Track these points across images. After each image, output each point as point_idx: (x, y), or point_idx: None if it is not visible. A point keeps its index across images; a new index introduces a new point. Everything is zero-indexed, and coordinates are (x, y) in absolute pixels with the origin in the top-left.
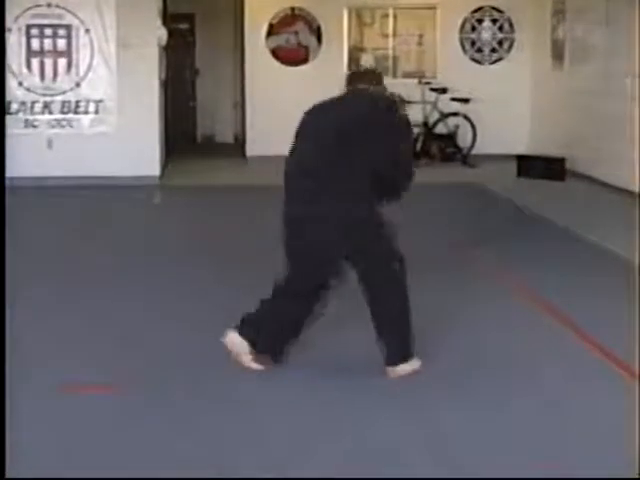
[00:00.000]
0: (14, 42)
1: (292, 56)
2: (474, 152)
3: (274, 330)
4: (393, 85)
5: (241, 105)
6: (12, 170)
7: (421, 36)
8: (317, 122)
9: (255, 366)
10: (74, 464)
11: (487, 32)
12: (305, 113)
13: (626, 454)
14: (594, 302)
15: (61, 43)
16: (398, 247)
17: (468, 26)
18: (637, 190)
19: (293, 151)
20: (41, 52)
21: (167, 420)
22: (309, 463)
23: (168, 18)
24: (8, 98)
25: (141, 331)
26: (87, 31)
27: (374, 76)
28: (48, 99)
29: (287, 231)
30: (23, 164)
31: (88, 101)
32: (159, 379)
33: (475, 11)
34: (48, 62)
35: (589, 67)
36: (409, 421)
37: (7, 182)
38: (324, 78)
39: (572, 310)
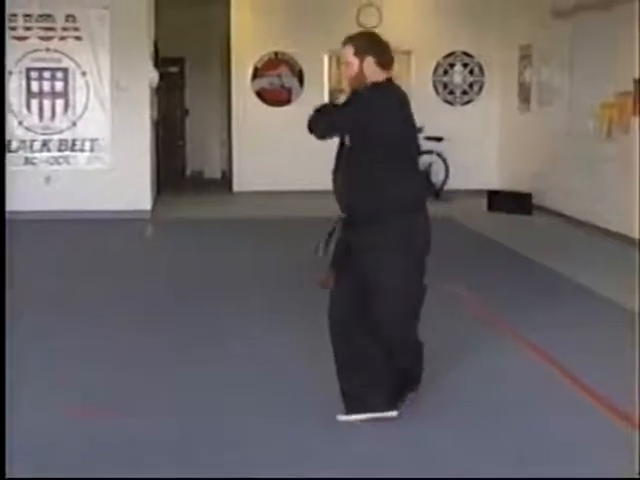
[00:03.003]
0: (15, 84)
1: (276, 97)
2: (447, 187)
3: None
4: None
5: (228, 143)
6: (12, 204)
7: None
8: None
9: None
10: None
11: (458, 75)
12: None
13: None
14: (554, 324)
15: (59, 85)
16: None
17: (441, 70)
18: (593, 222)
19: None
20: (40, 93)
21: (165, 442)
22: None
23: (159, 62)
24: (9, 137)
25: (136, 357)
26: (83, 74)
27: None
28: (46, 137)
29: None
30: (22, 199)
31: (84, 140)
32: (157, 401)
33: (447, 56)
34: (47, 103)
35: (554, 109)
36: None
37: (7, 215)
38: (306, 118)
39: (539, 337)
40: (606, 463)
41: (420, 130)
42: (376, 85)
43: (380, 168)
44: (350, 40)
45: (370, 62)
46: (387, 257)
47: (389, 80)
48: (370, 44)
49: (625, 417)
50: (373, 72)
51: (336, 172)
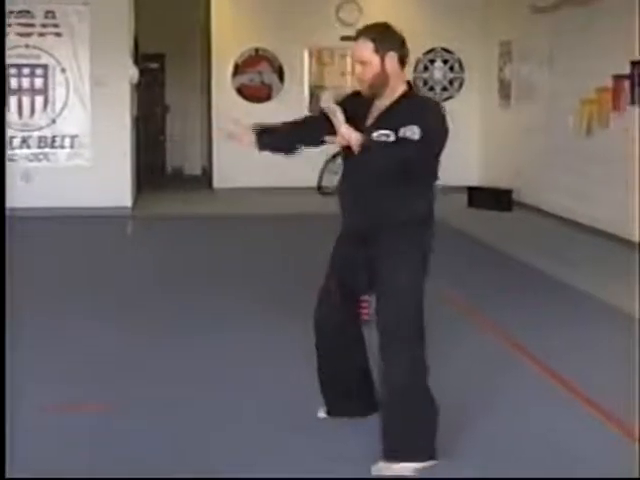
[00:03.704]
0: None
1: (256, 94)
2: None
3: None
4: None
5: (208, 140)
6: None
7: None
8: None
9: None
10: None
11: (439, 72)
12: None
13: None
14: (530, 318)
15: (38, 82)
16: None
17: (421, 66)
18: (573, 218)
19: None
20: (19, 90)
21: (158, 439)
22: None
23: (139, 58)
24: None
25: (108, 351)
26: (63, 70)
27: None
28: (26, 134)
29: None
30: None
31: (64, 136)
32: (156, 399)
33: (427, 52)
34: (26, 100)
35: (533, 105)
36: None
37: None
38: (286, 114)
39: (516, 328)
40: (605, 468)
41: None
42: (423, 97)
43: (413, 177)
44: (366, 33)
45: (393, 59)
46: (412, 265)
47: (410, 85)
48: (391, 37)
49: (620, 425)
50: (395, 72)
51: (347, 184)
